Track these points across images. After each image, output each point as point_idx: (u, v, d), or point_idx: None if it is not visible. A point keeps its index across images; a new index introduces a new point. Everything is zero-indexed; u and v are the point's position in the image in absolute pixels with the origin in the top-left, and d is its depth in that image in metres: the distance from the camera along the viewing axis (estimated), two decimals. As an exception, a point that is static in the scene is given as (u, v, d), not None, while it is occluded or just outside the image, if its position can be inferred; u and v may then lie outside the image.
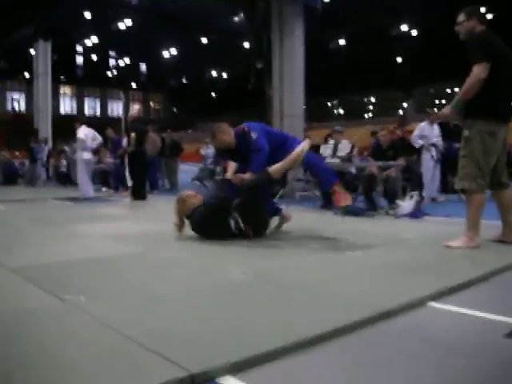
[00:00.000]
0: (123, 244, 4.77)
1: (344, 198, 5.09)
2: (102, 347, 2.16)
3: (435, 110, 10.91)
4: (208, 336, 2.28)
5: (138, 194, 10.29)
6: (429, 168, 9.59)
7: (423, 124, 9.81)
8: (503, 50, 4.39)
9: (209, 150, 17.16)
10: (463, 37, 4.53)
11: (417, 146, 9.65)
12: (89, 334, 2.33)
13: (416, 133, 9.78)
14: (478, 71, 4.20)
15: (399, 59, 37.51)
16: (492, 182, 4.49)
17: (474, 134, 4.34)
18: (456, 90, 41.46)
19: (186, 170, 15.72)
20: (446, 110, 4.49)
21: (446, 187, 10.18)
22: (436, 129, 9.82)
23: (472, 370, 2.01)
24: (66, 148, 16.49)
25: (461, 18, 4.51)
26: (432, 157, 9.62)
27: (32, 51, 21.53)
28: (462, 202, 9.41)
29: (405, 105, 42.06)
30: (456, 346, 2.27)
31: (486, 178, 4.37)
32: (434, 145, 9.69)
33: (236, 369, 1.97)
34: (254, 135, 5.03)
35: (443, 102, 41.82)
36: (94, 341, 2.24)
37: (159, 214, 7.80)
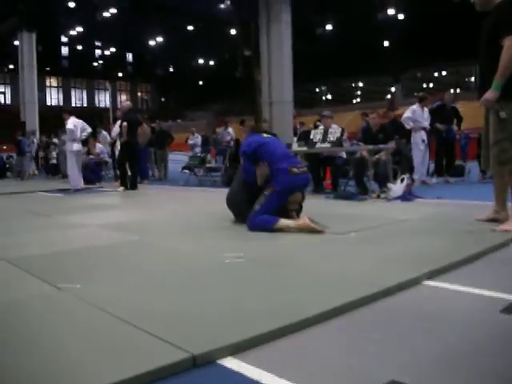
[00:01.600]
0: (117, 232, 4.77)
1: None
2: (102, 332, 2.16)
3: (421, 93, 10.88)
4: (208, 318, 2.29)
5: (130, 184, 10.26)
6: (419, 151, 9.64)
7: (415, 107, 9.84)
8: None
9: (196, 139, 17.15)
10: (480, 7, 4.30)
11: (408, 127, 9.70)
12: (87, 320, 2.33)
13: (408, 114, 9.81)
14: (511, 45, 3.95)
15: (386, 43, 37.51)
16: None
17: (510, 114, 4.14)
18: (443, 73, 41.66)
19: (176, 160, 15.68)
20: (490, 95, 4.12)
21: (441, 170, 10.23)
22: (426, 112, 9.86)
23: (468, 344, 2.03)
24: (55, 140, 16.39)
25: None
26: (423, 140, 9.67)
27: (16, 42, 21.28)
28: (453, 184, 9.54)
29: (393, 89, 42.10)
30: (452, 321, 2.29)
31: None
32: (424, 128, 9.74)
33: (237, 350, 1.98)
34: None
35: (430, 85, 41.90)
36: (93, 327, 2.24)
37: (152, 203, 7.80)
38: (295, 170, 4.67)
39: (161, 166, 14.44)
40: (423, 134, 9.71)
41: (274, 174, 4.69)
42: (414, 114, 9.73)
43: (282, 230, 4.38)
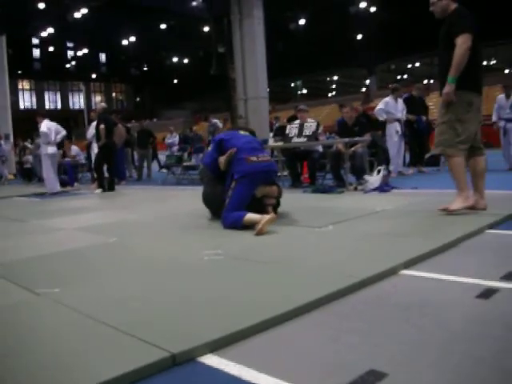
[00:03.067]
0: (95, 235, 4.73)
1: None
2: (81, 336, 2.15)
3: (394, 84, 10.97)
4: (187, 316, 2.30)
5: (108, 185, 10.20)
6: (394, 142, 9.73)
7: (387, 99, 9.92)
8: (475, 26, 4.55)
9: (174, 138, 17.08)
10: (439, 15, 4.70)
11: (380, 118, 9.78)
12: (66, 324, 2.31)
13: (380, 106, 9.89)
14: (463, 41, 4.38)
15: (360, 36, 37.73)
16: (469, 149, 4.65)
17: (456, 103, 4.51)
18: (417, 64, 42.07)
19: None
20: (448, 89, 4.49)
21: (416, 161, 10.34)
22: (400, 103, 9.95)
23: (445, 331, 2.07)
24: (28, 144, 16.18)
25: None
26: (397, 132, 9.76)
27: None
28: (429, 174, 9.65)
29: (367, 82, 42.37)
30: (429, 309, 2.32)
31: (466, 144, 4.56)
32: (398, 120, 9.82)
33: (217, 347, 1.99)
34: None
35: (405, 76, 42.27)
36: (73, 330, 2.22)
37: (130, 204, 7.76)
38: (253, 158, 4.71)
39: (142, 165, 14.34)
40: (397, 126, 9.79)
41: (234, 164, 4.76)
42: (387, 106, 9.81)
43: (252, 225, 4.36)
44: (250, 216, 4.42)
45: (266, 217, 4.27)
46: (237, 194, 4.64)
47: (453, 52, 4.42)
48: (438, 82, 4.80)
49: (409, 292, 2.60)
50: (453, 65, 4.43)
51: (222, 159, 4.86)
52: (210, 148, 5.35)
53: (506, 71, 32.83)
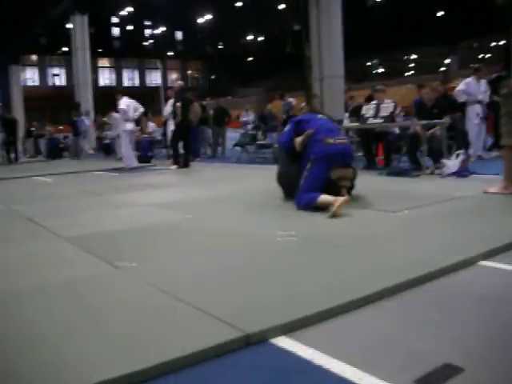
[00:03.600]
0: (171, 211, 4.85)
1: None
2: (158, 310, 2.22)
3: (476, 64, 10.44)
4: (262, 297, 2.32)
5: (183, 162, 10.40)
6: (474, 125, 9.32)
7: (469, 79, 9.48)
8: None
9: (249, 117, 17.14)
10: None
11: (460, 100, 9.36)
12: (144, 298, 2.39)
13: (461, 87, 9.46)
14: None
15: (440, 13, 36.27)
16: None
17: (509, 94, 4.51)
18: (502, 43, 39.98)
19: (228, 137, 15.73)
20: None
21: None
22: (483, 85, 9.49)
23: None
24: (106, 120, 16.67)
25: None
26: (477, 114, 9.34)
27: (69, 25, 21.70)
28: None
29: (447, 61, 40.76)
30: (509, 303, 2.24)
31: None
32: (479, 101, 9.39)
33: (290, 329, 2.00)
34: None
35: (487, 56, 40.35)
36: (150, 304, 2.30)
37: (204, 181, 7.88)
38: (330, 140, 4.69)
39: (218, 143, 14.52)
40: (478, 108, 9.35)
41: (310, 146, 4.75)
42: (468, 87, 9.37)
43: (325, 206, 4.33)
44: (325, 197, 4.39)
45: (340, 199, 4.23)
46: (312, 174, 4.62)
47: None
48: None
49: (488, 285, 2.51)
50: None
51: (299, 139, 4.85)
52: (286, 128, 5.34)
53: None
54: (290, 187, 4.91)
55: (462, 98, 9.36)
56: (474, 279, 2.59)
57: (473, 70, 9.78)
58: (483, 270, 2.73)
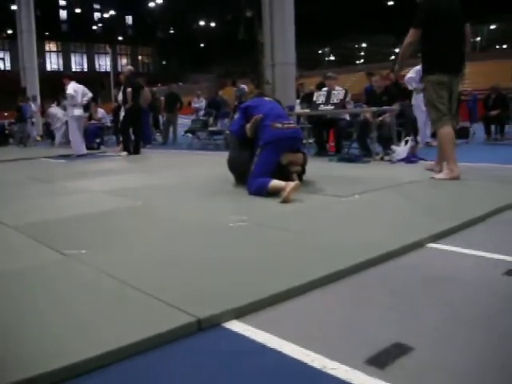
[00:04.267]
0: (121, 198, 4.77)
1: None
2: (108, 298, 2.18)
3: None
4: (213, 282, 2.31)
5: (133, 148, 10.26)
6: (422, 112, 9.51)
7: (418, 67, 9.62)
8: (449, 12, 5.24)
9: (201, 103, 16.99)
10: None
11: (410, 87, 9.54)
12: (94, 285, 2.34)
13: (411, 75, 9.60)
14: (408, 35, 5.37)
15: (390, 2, 36.82)
16: None
17: (427, 85, 5.32)
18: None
19: (179, 123, 15.59)
20: (397, 67, 6.12)
21: None
22: None
23: (472, 306, 2.05)
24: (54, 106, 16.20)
25: None
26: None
27: (14, 7, 20.93)
28: (457, 146, 9.46)
29: (396, 50, 41.47)
30: (456, 284, 2.30)
31: (446, 114, 5.19)
32: None
33: (242, 313, 2.00)
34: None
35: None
36: (100, 291, 2.25)
37: (155, 167, 7.79)
38: (278, 125, 4.69)
39: (168, 129, 14.38)
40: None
41: (260, 131, 4.75)
42: (418, 75, 9.54)
43: (277, 191, 4.34)
44: (275, 183, 4.40)
45: (291, 184, 4.24)
46: (262, 160, 4.62)
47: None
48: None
49: (435, 266, 2.57)
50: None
51: (249, 126, 4.83)
52: (236, 115, 5.32)
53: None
54: (242, 173, 4.91)
55: (412, 86, 9.53)
56: (421, 261, 2.65)
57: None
58: (430, 252, 2.80)
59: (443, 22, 5.17)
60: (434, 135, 9.94)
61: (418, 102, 9.51)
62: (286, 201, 4.14)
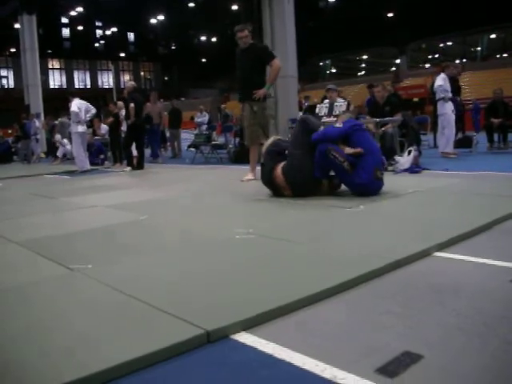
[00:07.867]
0: (126, 212, 4.78)
1: None
2: (116, 311, 2.18)
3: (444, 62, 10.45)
4: (221, 294, 2.31)
5: (137, 163, 10.29)
6: (449, 122, 9.23)
7: (444, 75, 9.37)
8: None
9: (204, 118, 17.08)
10: (242, 45, 6.63)
11: (442, 95, 9.14)
12: (101, 299, 2.35)
13: (440, 82, 9.26)
14: (279, 62, 6.71)
15: (390, 14, 37.00)
16: None
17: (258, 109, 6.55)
18: (449, 43, 41.07)
19: (182, 138, 15.65)
20: (264, 91, 6.61)
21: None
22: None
23: (480, 314, 2.03)
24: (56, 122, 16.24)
25: (245, 32, 6.63)
26: (452, 110, 9.26)
27: (17, 26, 21.10)
28: (461, 156, 9.44)
29: (398, 61, 41.61)
30: (463, 292, 2.29)
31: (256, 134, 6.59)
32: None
33: (250, 325, 2.00)
34: None
35: (436, 56, 41.37)
36: (108, 306, 2.25)
37: (160, 182, 7.81)
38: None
39: (174, 144, 14.52)
40: (451, 104, 9.34)
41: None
42: (446, 83, 9.34)
43: None
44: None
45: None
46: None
47: (259, 68, 6.77)
48: (240, 89, 7.02)
49: (443, 274, 2.56)
50: (270, 77, 6.94)
51: (351, 151, 4.85)
52: (340, 125, 5.20)
53: None
54: (305, 182, 4.92)
55: (443, 94, 9.27)
56: (429, 270, 2.64)
57: (441, 68, 9.80)
58: (438, 261, 2.79)
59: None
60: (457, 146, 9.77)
61: (446, 110, 9.29)
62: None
